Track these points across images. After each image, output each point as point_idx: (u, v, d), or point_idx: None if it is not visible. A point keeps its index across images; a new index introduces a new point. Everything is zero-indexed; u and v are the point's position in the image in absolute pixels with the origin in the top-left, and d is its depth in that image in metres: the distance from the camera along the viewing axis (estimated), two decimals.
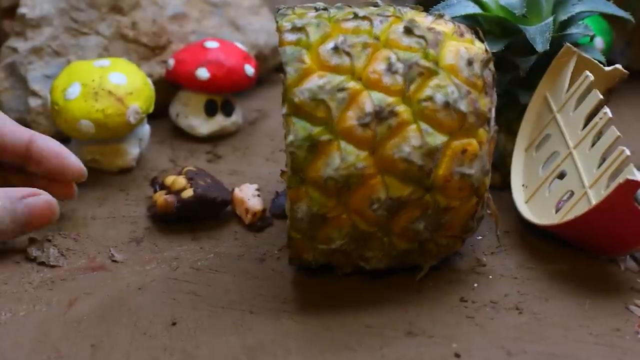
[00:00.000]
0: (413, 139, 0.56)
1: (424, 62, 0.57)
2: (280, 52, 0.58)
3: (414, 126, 0.57)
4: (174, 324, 0.58)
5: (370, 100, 0.56)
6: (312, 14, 0.60)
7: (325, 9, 0.61)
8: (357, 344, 0.57)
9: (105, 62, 0.74)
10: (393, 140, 0.56)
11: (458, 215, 0.58)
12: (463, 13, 0.70)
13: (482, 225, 0.68)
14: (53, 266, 0.63)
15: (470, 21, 0.71)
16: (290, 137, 0.56)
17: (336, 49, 0.57)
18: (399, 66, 0.57)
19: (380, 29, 0.59)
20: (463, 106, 0.57)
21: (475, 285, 0.62)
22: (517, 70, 0.71)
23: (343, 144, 0.56)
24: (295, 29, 0.59)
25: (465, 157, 0.57)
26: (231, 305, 0.60)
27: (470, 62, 0.58)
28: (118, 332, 0.57)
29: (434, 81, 0.57)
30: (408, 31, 0.59)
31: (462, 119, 0.57)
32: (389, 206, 0.57)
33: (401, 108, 0.57)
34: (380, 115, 0.56)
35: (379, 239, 0.58)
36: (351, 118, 0.56)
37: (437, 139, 0.57)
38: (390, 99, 0.57)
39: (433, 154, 0.56)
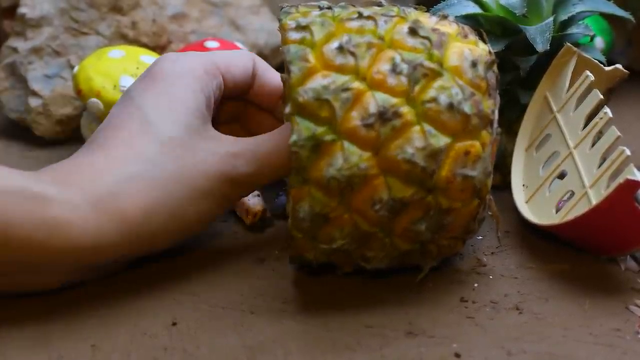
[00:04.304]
0: (416, 140, 0.56)
1: (428, 64, 0.57)
2: (283, 50, 0.58)
3: (417, 127, 0.56)
4: (174, 324, 0.58)
5: (374, 100, 0.56)
6: (316, 12, 0.60)
7: (329, 7, 0.61)
8: (357, 344, 0.57)
9: (119, 52, 0.74)
10: (396, 141, 0.56)
11: (460, 217, 0.58)
12: (463, 13, 0.70)
13: (482, 226, 0.68)
14: None
15: (470, 21, 0.71)
16: (294, 137, 0.56)
17: (341, 49, 0.57)
18: (404, 67, 0.57)
19: (385, 29, 0.59)
20: (467, 108, 0.57)
21: (476, 285, 0.62)
22: (517, 70, 0.71)
23: (346, 144, 0.56)
24: (300, 27, 0.58)
25: (468, 159, 0.57)
26: (231, 306, 0.60)
27: (474, 64, 0.58)
28: (118, 332, 0.57)
29: (438, 82, 0.57)
30: (412, 32, 0.59)
31: (465, 121, 0.57)
32: (391, 207, 0.56)
33: (405, 109, 0.56)
34: (384, 116, 0.56)
35: (380, 239, 0.58)
36: (355, 118, 0.56)
37: (441, 140, 0.56)
38: (395, 100, 0.56)
39: (436, 155, 0.56)
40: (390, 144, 0.56)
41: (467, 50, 0.59)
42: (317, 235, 0.58)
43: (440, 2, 0.71)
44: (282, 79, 0.62)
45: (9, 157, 0.78)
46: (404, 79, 0.57)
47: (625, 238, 0.61)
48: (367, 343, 0.57)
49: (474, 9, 0.70)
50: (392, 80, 0.57)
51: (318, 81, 0.56)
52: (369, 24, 0.59)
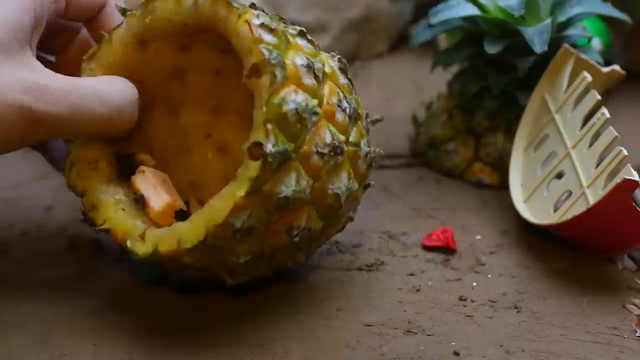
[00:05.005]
0: (345, 180, 0.57)
1: (356, 107, 0.58)
2: (260, 48, 0.53)
3: (348, 167, 0.57)
4: (174, 323, 0.59)
5: (329, 132, 0.55)
6: (256, 12, 0.55)
7: (263, 10, 0.57)
8: (357, 343, 0.57)
9: None
10: (333, 176, 0.56)
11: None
12: (462, 15, 0.70)
13: (481, 225, 0.69)
14: (57, 265, 0.64)
15: (469, 23, 0.72)
16: (270, 146, 0.52)
17: (309, 69, 0.55)
18: (346, 105, 0.57)
19: (321, 58, 0.58)
20: (370, 156, 0.59)
21: (474, 284, 0.63)
22: (515, 71, 0.72)
23: (300, 167, 0.54)
24: (268, 29, 0.55)
25: (355, 201, 0.60)
26: (232, 304, 0.60)
27: None
28: (120, 331, 0.58)
29: (358, 128, 0.58)
30: (343, 71, 0.59)
31: (367, 169, 0.59)
32: (302, 235, 0.56)
33: (344, 148, 0.56)
34: (336, 150, 0.55)
35: (267, 259, 0.57)
36: (312, 144, 0.54)
37: (355, 185, 0.58)
38: (342, 137, 0.56)
39: (352, 196, 0.57)
40: (328, 177, 0.56)
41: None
42: (226, 247, 0.54)
43: (439, 4, 0.72)
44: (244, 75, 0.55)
45: (9, 156, 0.78)
46: (347, 119, 0.57)
47: (622, 237, 0.61)
48: (367, 341, 0.57)
49: (473, 11, 0.70)
50: (339, 116, 0.56)
51: (293, 96, 0.54)
52: (311, 48, 0.57)
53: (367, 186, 0.61)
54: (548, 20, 0.68)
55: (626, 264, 0.64)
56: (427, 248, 0.66)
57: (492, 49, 0.69)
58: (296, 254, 0.58)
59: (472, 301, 0.61)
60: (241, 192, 0.52)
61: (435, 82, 0.85)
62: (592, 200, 0.61)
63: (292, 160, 0.54)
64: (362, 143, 0.58)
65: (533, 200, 0.68)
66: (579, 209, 0.61)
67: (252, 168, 0.52)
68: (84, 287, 0.62)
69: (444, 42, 0.94)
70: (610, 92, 0.69)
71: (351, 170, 0.57)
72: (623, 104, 0.84)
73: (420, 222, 0.69)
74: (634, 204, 0.59)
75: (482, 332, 0.58)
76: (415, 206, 0.72)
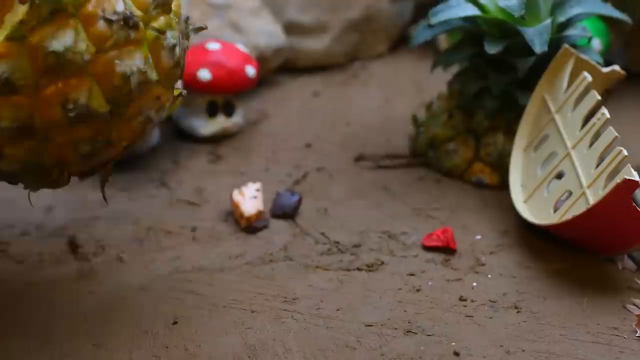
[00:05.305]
0: (138, 62, 0.53)
1: None
2: None
3: (144, 50, 0.53)
4: (175, 322, 0.59)
5: (123, 1, 0.52)
6: None
7: None
8: (357, 343, 0.57)
9: None
10: (123, 53, 0.52)
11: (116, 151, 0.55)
12: (462, 15, 0.70)
13: (481, 225, 0.69)
14: (57, 265, 0.64)
15: (469, 23, 0.72)
16: None
17: None
18: None
19: None
20: (179, 52, 0.55)
21: (474, 284, 0.63)
22: (515, 72, 0.72)
23: (80, 27, 0.50)
24: None
25: (156, 104, 0.55)
26: (232, 304, 0.60)
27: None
28: (120, 330, 0.58)
29: (167, 18, 0.54)
30: None
31: (175, 67, 0.55)
32: (78, 114, 0.51)
33: (142, 26, 0.53)
34: (128, 22, 0.52)
35: (42, 139, 0.52)
36: (99, 7, 0.51)
37: (154, 75, 0.54)
38: (139, 12, 0.53)
39: (145, 85, 0.53)
40: (118, 53, 0.52)
41: None
42: None
43: (439, 4, 0.72)
44: None
45: None
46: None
47: (622, 237, 0.61)
48: (367, 341, 0.57)
49: (473, 11, 0.70)
50: None
51: None
52: None
53: (179, 95, 0.57)
54: (548, 21, 0.68)
55: (626, 264, 0.64)
56: (427, 248, 0.66)
57: (492, 49, 0.69)
58: (77, 144, 0.53)
59: (472, 301, 0.61)
60: (1, 36, 0.49)
61: (435, 82, 0.85)
62: (592, 200, 0.61)
63: (69, 16, 0.50)
64: (170, 34, 0.54)
65: (533, 201, 0.68)
66: (579, 209, 0.61)
67: (19, 12, 0.49)
68: (84, 287, 0.62)
69: (444, 42, 0.94)
70: (610, 92, 0.69)
71: (149, 57, 0.54)
72: (623, 104, 0.84)
73: (420, 222, 0.69)
74: (634, 204, 0.59)
75: (482, 332, 0.58)
76: (415, 206, 0.72)
